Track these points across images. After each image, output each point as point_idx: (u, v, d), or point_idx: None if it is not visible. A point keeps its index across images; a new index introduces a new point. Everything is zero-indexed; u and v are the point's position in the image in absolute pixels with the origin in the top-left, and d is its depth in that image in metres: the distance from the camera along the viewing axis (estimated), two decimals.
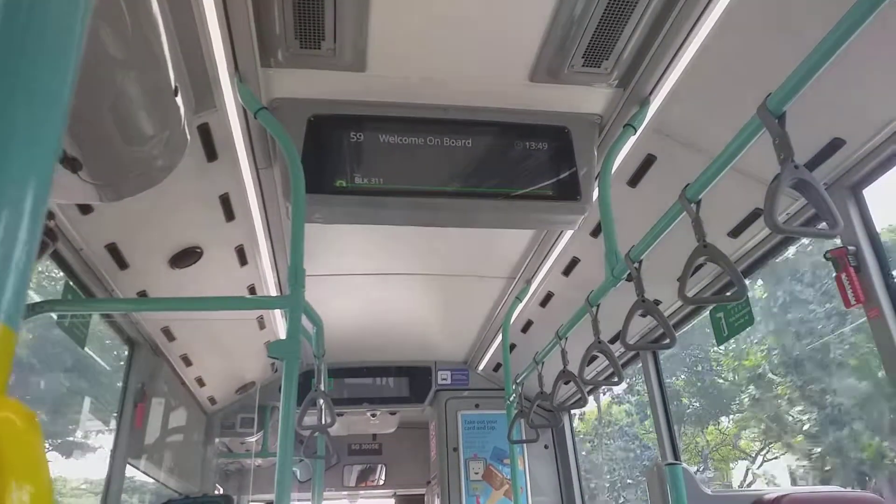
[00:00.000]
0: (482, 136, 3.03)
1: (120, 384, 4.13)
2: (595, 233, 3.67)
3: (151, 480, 4.62)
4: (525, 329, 5.14)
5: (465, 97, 2.96)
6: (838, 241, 2.71)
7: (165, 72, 2.15)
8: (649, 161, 3.11)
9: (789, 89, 1.63)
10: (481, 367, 6.15)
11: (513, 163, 3.02)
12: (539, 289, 4.53)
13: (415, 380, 6.31)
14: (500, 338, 5.13)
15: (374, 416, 6.60)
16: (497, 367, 5.98)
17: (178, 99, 2.30)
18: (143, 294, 3.50)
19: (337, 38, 2.57)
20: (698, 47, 2.50)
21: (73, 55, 0.62)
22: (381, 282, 4.71)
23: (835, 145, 2.55)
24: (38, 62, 0.59)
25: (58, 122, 0.60)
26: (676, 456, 4.11)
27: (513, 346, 4.85)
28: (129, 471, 3.97)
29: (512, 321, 4.74)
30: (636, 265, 2.43)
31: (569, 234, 3.81)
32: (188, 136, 2.44)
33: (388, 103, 2.95)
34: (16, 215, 0.54)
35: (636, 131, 2.89)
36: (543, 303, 4.69)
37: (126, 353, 4.15)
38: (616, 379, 2.87)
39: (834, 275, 2.69)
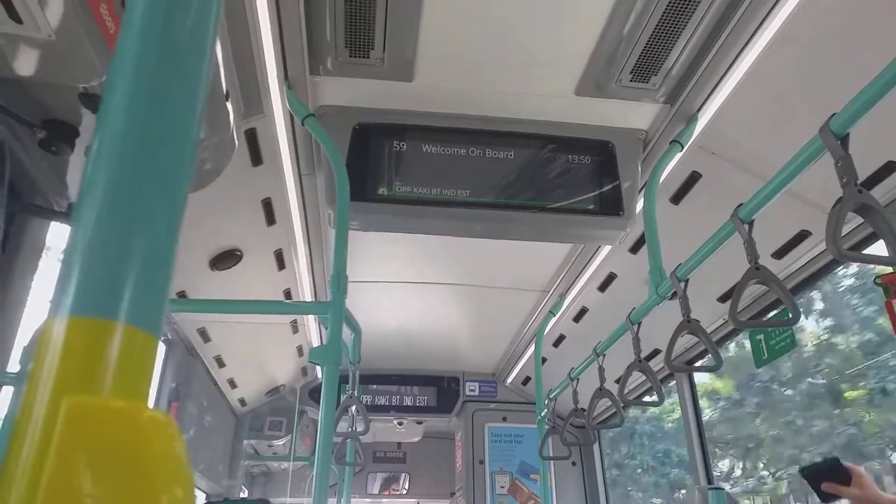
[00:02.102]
0: (525, 148, 3.02)
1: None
2: (634, 249, 3.63)
3: None
4: (557, 343, 5.10)
5: (509, 109, 2.96)
6: (889, 268, 2.64)
7: (218, 77, 2.18)
8: (694, 178, 3.07)
9: (855, 111, 1.60)
10: (510, 379, 6.11)
11: (555, 176, 3.00)
12: (573, 303, 4.50)
13: (442, 390, 6.30)
14: (530, 351, 5.09)
15: (400, 424, 6.59)
16: (526, 381, 5.94)
17: (229, 104, 2.34)
18: (182, 294, 3.55)
19: (386, 48, 2.58)
20: (749, 66, 2.47)
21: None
22: (413, 290, 4.71)
23: (889, 168, 2.49)
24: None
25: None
26: (710, 479, 4.03)
27: (544, 360, 4.81)
28: None
29: (544, 335, 4.70)
30: (682, 284, 2.40)
31: (606, 249, 3.78)
32: (236, 141, 2.47)
33: (433, 113, 2.96)
34: (160, 232, 0.55)
35: (683, 148, 2.86)
36: (577, 318, 4.65)
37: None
38: (656, 398, 2.82)
39: (884, 300, 2.62)
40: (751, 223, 2.03)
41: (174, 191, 0.58)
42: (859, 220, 1.80)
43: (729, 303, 2.07)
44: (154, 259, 0.54)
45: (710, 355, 2.40)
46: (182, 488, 0.47)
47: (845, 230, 2.77)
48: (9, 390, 2.17)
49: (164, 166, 0.58)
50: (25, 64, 1.71)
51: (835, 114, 1.66)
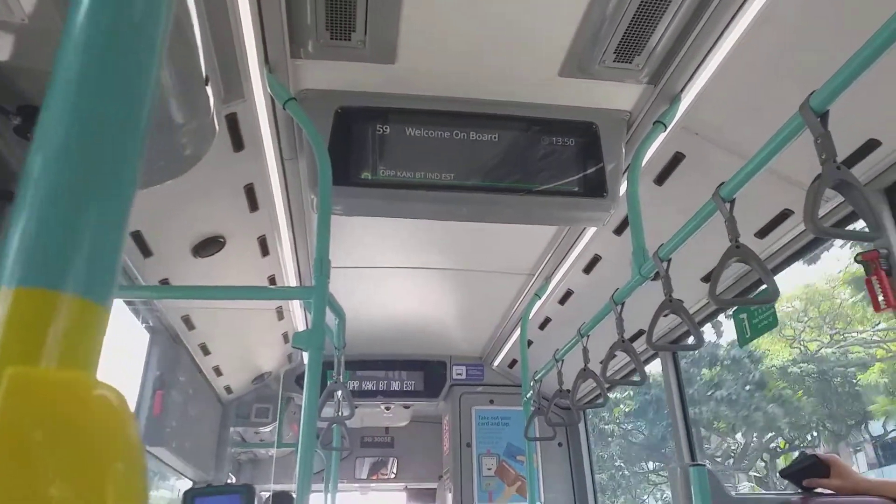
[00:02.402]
0: (509, 130, 3.01)
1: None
2: (619, 230, 3.65)
3: (169, 469, 4.65)
4: (542, 326, 5.13)
5: (493, 91, 2.94)
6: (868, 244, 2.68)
7: (197, 60, 2.15)
8: (677, 159, 3.08)
9: (834, 88, 1.60)
10: (497, 362, 6.14)
11: (539, 158, 3.00)
12: (559, 286, 4.51)
13: (429, 374, 6.31)
14: (516, 334, 5.11)
15: (387, 409, 6.61)
16: (513, 364, 5.97)
17: (208, 88, 2.30)
18: (165, 282, 3.52)
19: (368, 31, 2.56)
20: (732, 45, 2.47)
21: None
22: (399, 275, 4.70)
23: (870, 146, 2.51)
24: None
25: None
26: (693, 457, 4.08)
27: (530, 343, 4.84)
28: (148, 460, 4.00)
29: (530, 318, 4.72)
30: (665, 264, 2.41)
31: (591, 231, 3.79)
32: (216, 126, 2.44)
33: (416, 96, 2.94)
34: (109, 200, 0.54)
35: (666, 128, 2.87)
36: (562, 300, 4.67)
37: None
38: (638, 378, 2.85)
39: (865, 277, 2.66)
40: (732, 202, 2.04)
41: (124, 158, 0.57)
42: (840, 198, 1.82)
43: None
44: (103, 228, 0.53)
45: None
46: (126, 463, 0.46)
47: (827, 208, 2.80)
48: None
49: (114, 134, 0.57)
50: None
51: (814, 91, 1.67)
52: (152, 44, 0.63)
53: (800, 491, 2.19)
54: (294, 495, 2.22)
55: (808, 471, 2.16)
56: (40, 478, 0.42)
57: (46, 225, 0.51)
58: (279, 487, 6.16)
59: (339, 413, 3.87)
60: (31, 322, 0.47)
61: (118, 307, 3.51)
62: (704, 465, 2.35)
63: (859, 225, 2.71)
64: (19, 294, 0.48)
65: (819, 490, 2.15)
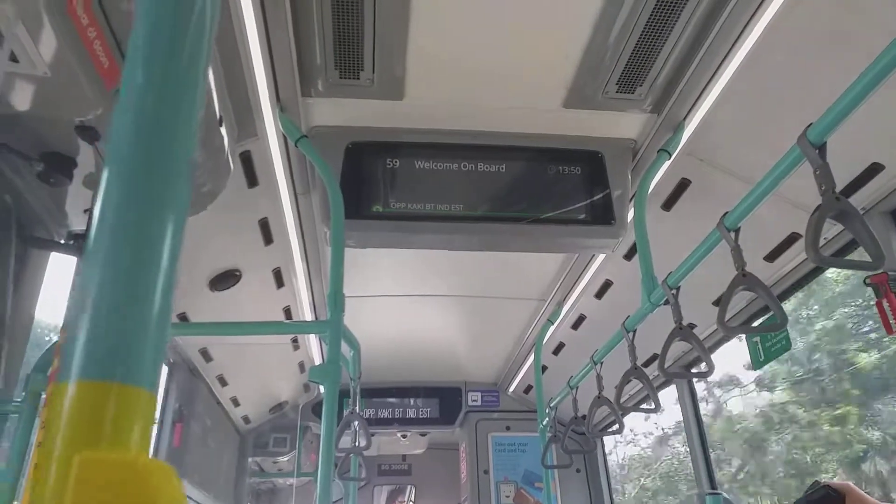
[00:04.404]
0: (516, 161, 3.07)
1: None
2: (629, 256, 3.67)
3: (192, 502, 4.67)
4: (556, 351, 5.13)
5: (499, 123, 3.00)
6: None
7: (211, 102, 2.23)
8: (683, 185, 3.11)
9: (830, 120, 1.64)
10: (512, 388, 6.13)
11: (546, 187, 3.04)
12: (571, 311, 4.53)
13: (445, 401, 6.31)
14: (530, 360, 5.12)
15: (404, 436, 6.61)
16: (528, 389, 5.96)
17: (223, 128, 2.39)
18: (183, 316, 3.58)
19: (376, 69, 2.63)
20: (733, 73, 2.51)
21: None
22: (413, 303, 4.74)
23: (874, 170, 2.53)
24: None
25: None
26: (713, 484, 4.04)
27: (544, 369, 4.84)
28: None
29: (543, 343, 4.73)
30: (674, 291, 2.43)
31: (601, 257, 3.81)
32: (231, 164, 2.51)
33: (424, 130, 3.01)
34: (157, 300, 0.59)
35: (671, 156, 2.90)
36: (575, 325, 4.68)
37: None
38: (653, 406, 2.85)
39: (874, 301, 2.65)
40: (737, 231, 2.06)
41: (170, 257, 0.63)
42: None
43: None
44: (152, 323, 0.59)
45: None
46: None
47: (831, 234, 2.81)
48: (14, 419, 2.21)
49: (161, 228, 0.62)
50: (22, 100, 1.75)
51: (811, 124, 1.70)
52: (191, 113, 0.69)
53: None
54: None
55: (823, 501, 2.14)
56: None
57: (103, 322, 0.57)
58: None
59: (357, 443, 3.89)
60: (93, 412, 0.54)
61: None
62: (721, 494, 2.35)
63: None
64: (80, 387, 0.55)
65: None
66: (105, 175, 0.62)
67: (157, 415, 4.17)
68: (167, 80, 0.68)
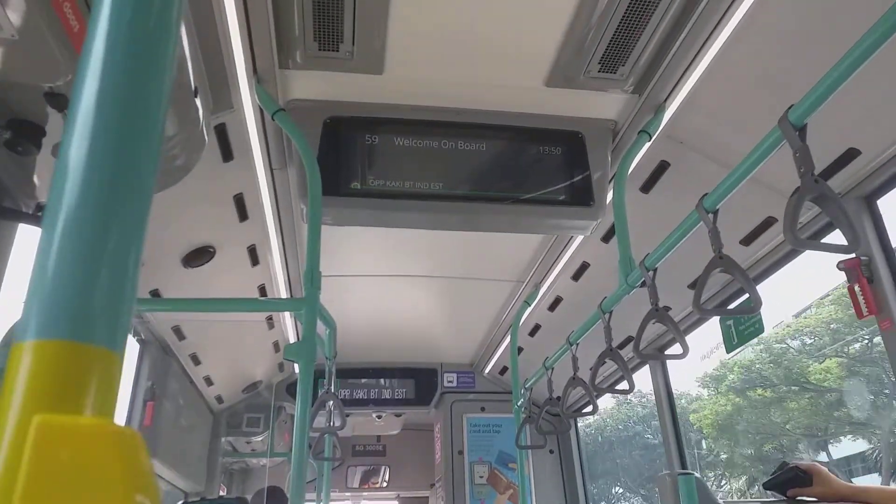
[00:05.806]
0: (496, 140, 3.04)
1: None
2: (606, 238, 3.68)
3: (162, 480, 4.63)
4: (533, 333, 5.15)
5: (480, 101, 2.97)
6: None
7: (186, 72, 2.16)
8: (663, 167, 3.12)
9: (811, 102, 1.64)
10: (487, 370, 6.16)
11: (526, 167, 3.03)
12: (548, 293, 4.54)
13: (420, 382, 6.32)
14: (507, 341, 5.13)
15: (378, 417, 6.61)
16: (503, 371, 5.99)
17: (198, 100, 2.32)
18: (155, 292, 3.52)
19: (356, 41, 2.58)
20: (715, 54, 2.50)
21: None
22: (389, 283, 4.72)
23: (850, 155, 2.56)
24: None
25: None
26: (683, 465, 4.11)
27: (520, 350, 4.86)
28: None
29: (520, 325, 4.74)
30: (651, 273, 2.44)
31: (579, 238, 3.82)
32: (206, 137, 2.45)
33: (404, 106, 2.96)
34: (126, 254, 0.56)
35: (651, 138, 2.90)
36: (552, 307, 4.70)
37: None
38: (627, 386, 2.87)
39: (847, 285, 2.69)
40: (715, 213, 2.07)
41: (138, 213, 0.59)
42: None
43: None
44: (119, 279, 0.55)
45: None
46: (147, 495, 0.49)
47: (808, 218, 2.84)
48: None
49: (130, 181, 0.59)
50: None
51: (792, 105, 1.70)
52: (163, 71, 0.65)
53: (784, 499, 2.22)
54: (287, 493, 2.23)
55: (791, 481, 2.19)
56: None
57: (66, 277, 0.53)
58: None
59: (331, 423, 3.88)
60: (52, 373, 0.50)
61: None
62: (693, 474, 2.38)
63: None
64: (39, 346, 0.51)
65: (802, 498, 2.18)
66: (65, 130, 0.59)
67: (129, 394, 4.11)
68: (135, 32, 0.64)
